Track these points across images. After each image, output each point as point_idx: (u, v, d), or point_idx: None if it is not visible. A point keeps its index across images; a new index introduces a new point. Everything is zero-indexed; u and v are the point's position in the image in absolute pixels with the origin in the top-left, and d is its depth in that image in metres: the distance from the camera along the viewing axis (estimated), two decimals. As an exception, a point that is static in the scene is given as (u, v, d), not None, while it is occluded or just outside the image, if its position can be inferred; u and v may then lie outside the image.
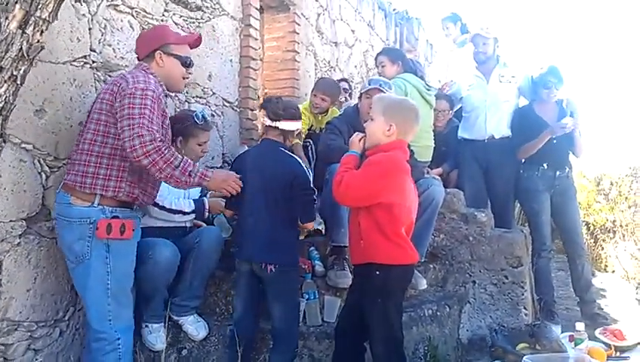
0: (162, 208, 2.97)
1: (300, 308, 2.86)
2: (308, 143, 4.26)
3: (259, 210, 2.65)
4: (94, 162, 2.41)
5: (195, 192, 3.23)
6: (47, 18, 2.11)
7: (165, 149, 2.31)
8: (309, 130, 4.31)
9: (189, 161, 2.42)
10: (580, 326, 2.74)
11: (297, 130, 2.84)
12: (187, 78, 2.76)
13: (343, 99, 4.68)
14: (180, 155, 2.39)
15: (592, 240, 7.34)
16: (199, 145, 3.09)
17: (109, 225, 2.38)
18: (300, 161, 2.75)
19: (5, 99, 2.07)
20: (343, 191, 2.34)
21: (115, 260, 2.43)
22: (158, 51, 2.61)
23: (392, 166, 2.35)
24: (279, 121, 2.69)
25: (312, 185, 2.79)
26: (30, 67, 2.17)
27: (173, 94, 3.66)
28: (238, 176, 2.59)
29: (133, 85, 2.39)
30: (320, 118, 4.33)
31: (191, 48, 2.78)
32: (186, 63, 2.69)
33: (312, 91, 4.33)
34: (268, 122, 2.73)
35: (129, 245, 2.50)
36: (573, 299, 4.31)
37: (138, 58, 2.71)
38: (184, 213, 3.05)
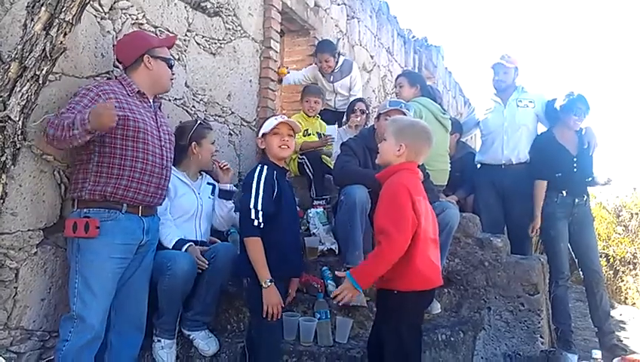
0: None
1: (282, 326, 2.77)
2: (302, 160, 4.28)
3: None
4: (76, 169, 2.57)
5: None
6: (71, 21, 2.19)
7: (52, 117, 2.41)
8: (305, 133, 4.43)
9: (68, 119, 2.33)
10: (597, 353, 2.67)
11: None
12: (173, 78, 2.91)
13: (359, 119, 4.68)
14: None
15: (612, 272, 7.20)
16: (212, 143, 3.28)
17: (74, 223, 2.44)
18: (260, 168, 2.74)
19: (27, 97, 2.13)
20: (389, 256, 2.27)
21: (83, 259, 2.46)
22: (145, 55, 2.72)
23: (392, 196, 2.32)
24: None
25: (250, 185, 2.66)
26: (52, 68, 2.23)
27: (193, 112, 3.74)
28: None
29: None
30: (312, 120, 4.59)
31: (169, 49, 2.91)
32: (171, 65, 2.84)
33: (301, 99, 4.65)
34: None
35: (99, 244, 2.46)
36: (592, 330, 4.23)
37: (124, 65, 2.77)
38: None
